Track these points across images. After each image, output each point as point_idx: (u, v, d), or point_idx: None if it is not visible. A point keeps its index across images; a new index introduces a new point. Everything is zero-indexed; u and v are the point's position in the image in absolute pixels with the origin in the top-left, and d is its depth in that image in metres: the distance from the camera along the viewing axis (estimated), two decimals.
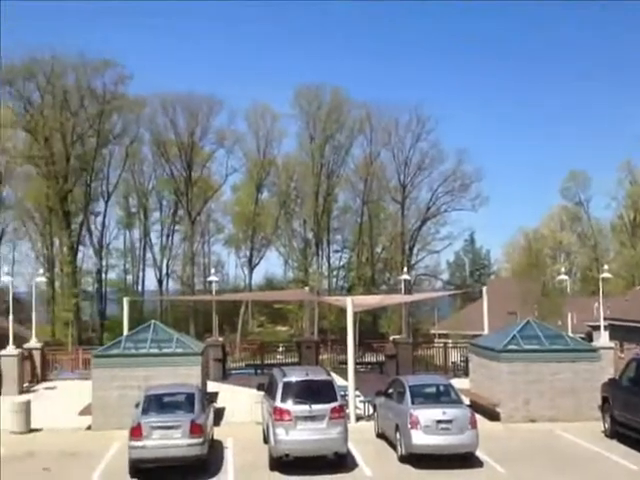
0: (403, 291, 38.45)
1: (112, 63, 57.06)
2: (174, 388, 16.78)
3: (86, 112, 56.83)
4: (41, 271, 33.25)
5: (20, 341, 28.11)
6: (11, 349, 25.84)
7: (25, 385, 26.17)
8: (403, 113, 64.71)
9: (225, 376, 28.61)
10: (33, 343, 28.35)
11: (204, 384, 20.33)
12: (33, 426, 19.12)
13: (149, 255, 68.12)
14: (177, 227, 68.22)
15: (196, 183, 64.02)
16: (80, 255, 60.03)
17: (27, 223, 63.25)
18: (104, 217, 63.80)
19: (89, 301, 63.53)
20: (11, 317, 27.08)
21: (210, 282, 36.99)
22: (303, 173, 65.06)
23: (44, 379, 28.08)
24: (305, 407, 14.89)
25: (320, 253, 65.53)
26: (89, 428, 19.21)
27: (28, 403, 19.34)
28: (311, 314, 36.19)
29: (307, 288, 36.39)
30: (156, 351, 19.71)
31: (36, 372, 27.85)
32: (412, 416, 15.35)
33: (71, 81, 56.48)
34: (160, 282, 66.76)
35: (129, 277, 69.88)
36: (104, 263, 65.01)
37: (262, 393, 17.61)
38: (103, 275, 64.55)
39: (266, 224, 66.50)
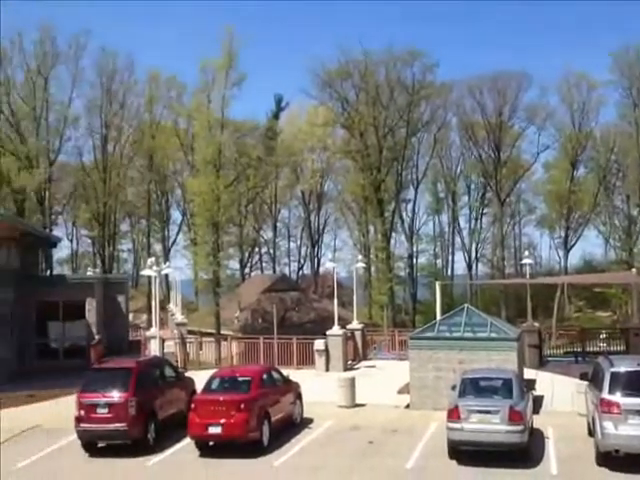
0: None
1: (419, 53, 58.54)
2: (491, 373, 16.57)
3: (396, 104, 59.20)
4: (359, 257, 35.44)
5: (343, 322, 30.33)
6: (336, 329, 28.02)
7: (348, 363, 28.16)
8: None
9: (542, 363, 27.39)
10: (354, 324, 30.38)
11: (521, 370, 19.68)
12: (357, 401, 20.47)
13: (458, 239, 68.85)
14: (486, 210, 67.64)
15: (505, 164, 62.84)
16: (393, 241, 62.88)
17: (346, 213, 68.49)
18: (414, 204, 66.21)
19: (402, 285, 66.27)
20: (335, 300, 29.37)
21: (522, 265, 35.93)
22: (625, 144, 59.39)
23: (365, 358, 29.92)
24: (637, 400, 13.48)
25: None
26: (407, 407, 19.93)
27: (353, 379, 20.77)
28: (639, 299, 32.86)
29: (634, 270, 32.95)
30: (470, 335, 19.63)
31: (358, 351, 29.80)
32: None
33: (382, 76, 59.36)
34: (469, 266, 66.94)
35: (439, 261, 71.48)
36: (415, 248, 67.26)
37: (585, 383, 16.43)
38: (414, 260, 66.81)
39: (583, 202, 62.25)
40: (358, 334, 29.94)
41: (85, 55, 57.24)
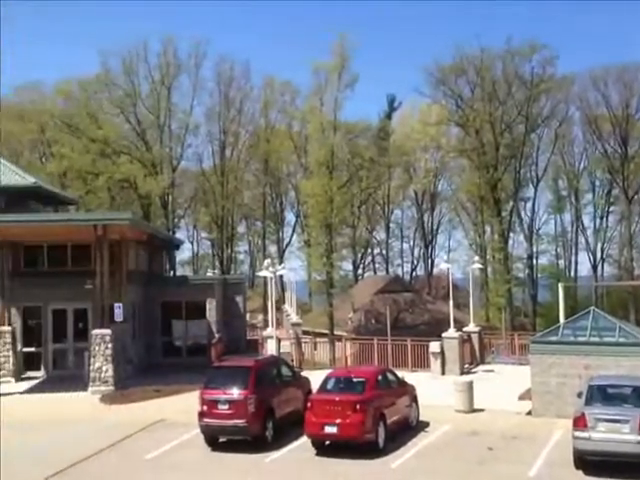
0: None
1: (538, 46, 56.31)
2: (620, 380, 15.64)
3: (514, 99, 57.31)
4: (476, 258, 34.56)
5: (459, 325, 29.69)
6: (452, 332, 27.46)
7: (465, 366, 27.52)
8: None
9: None
10: (471, 327, 29.65)
11: None
12: (475, 406, 19.93)
13: (581, 239, 65.63)
14: (612, 208, 64.15)
15: (633, 159, 59.36)
16: (510, 242, 60.93)
17: (461, 213, 67.11)
18: (533, 202, 63.91)
19: (520, 287, 64.04)
20: (451, 302, 28.81)
21: None
22: None
23: (482, 362, 29.12)
24: None
25: None
26: (529, 413, 19.19)
27: (471, 383, 20.25)
28: None
29: None
30: (597, 340, 18.64)
31: (475, 355, 29.05)
32: None
33: (498, 71, 57.71)
34: (594, 267, 63.71)
35: (561, 262, 68.43)
36: (535, 249, 64.83)
37: None
38: (534, 261, 64.39)
39: None
40: (475, 337, 29.21)
41: (205, 64, 59.70)
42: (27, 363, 27.75)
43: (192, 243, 72.73)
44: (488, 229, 60.36)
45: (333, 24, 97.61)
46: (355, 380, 16.87)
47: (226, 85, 60.53)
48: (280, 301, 47.13)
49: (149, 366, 29.08)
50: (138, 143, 58.29)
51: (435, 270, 66.44)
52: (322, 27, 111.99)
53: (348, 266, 63.76)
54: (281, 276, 41.50)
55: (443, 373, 26.22)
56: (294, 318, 34.50)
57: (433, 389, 22.38)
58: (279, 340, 28.25)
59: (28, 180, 35.37)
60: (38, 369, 27.78)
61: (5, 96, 60.60)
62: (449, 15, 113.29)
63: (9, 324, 27.07)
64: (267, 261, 28.88)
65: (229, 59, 60.58)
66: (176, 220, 63.49)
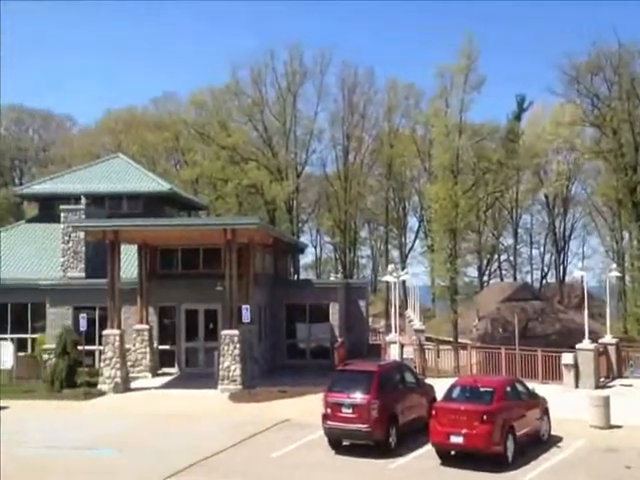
0: None
1: None
2: None
3: None
4: (613, 266, 32.54)
5: (594, 336, 28.05)
6: (587, 343, 25.98)
7: (601, 380, 25.96)
8: None
9: None
10: (608, 338, 27.95)
11: None
12: (612, 422, 18.73)
13: None
14: None
15: None
16: None
17: (596, 218, 63.63)
18: None
19: None
20: (585, 311, 27.29)
21: None
22: None
23: (619, 376, 27.36)
24: None
25: None
26: None
27: (607, 398, 19.05)
28: None
29: None
30: None
31: (611, 368, 27.35)
32: None
33: (638, 67, 54.23)
34: None
35: None
36: None
37: None
38: None
39: None
40: (612, 349, 27.47)
41: (329, 70, 60.54)
42: (162, 360, 29.22)
43: (315, 247, 73.92)
44: (626, 235, 56.81)
45: (459, 23, 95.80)
46: (482, 390, 16.35)
47: (350, 90, 61.04)
48: (403, 306, 46.74)
49: (274, 367, 29.75)
50: (265, 149, 60.05)
51: (568, 278, 63.46)
52: (448, 26, 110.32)
53: (473, 272, 62.28)
54: (404, 281, 41.14)
55: (576, 386, 24.86)
56: (417, 324, 34.05)
57: (566, 403, 21.29)
58: (402, 346, 27.97)
59: (164, 186, 37.43)
60: (172, 366, 29.19)
61: (144, 107, 64.58)
62: (582, 9, 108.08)
63: (147, 322, 28.63)
64: (391, 266, 28.78)
65: (353, 64, 61.14)
66: (300, 224, 64.72)
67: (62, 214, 32.06)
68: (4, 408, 22.40)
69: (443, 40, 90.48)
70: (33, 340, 30.58)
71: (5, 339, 28.77)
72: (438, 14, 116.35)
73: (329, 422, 16.69)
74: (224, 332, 25.21)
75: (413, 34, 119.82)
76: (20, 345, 29.22)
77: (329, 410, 16.70)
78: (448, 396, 16.59)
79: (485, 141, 58.21)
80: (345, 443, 16.91)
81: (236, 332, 24.93)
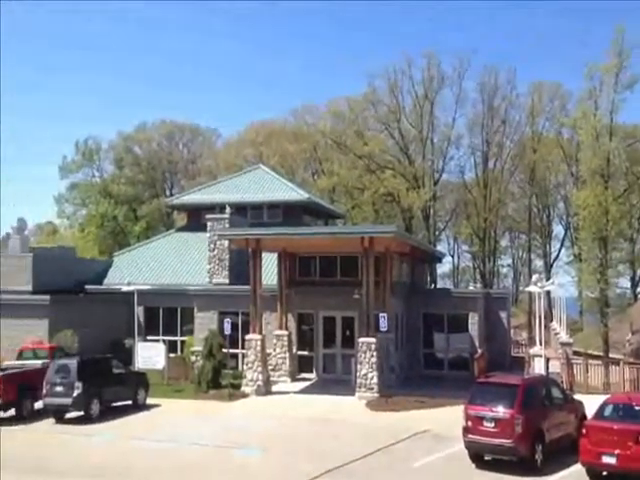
0: None
1: None
2: None
3: None
4: None
5: None
6: None
7: None
8: None
9: None
10: None
11: None
12: None
13: None
14: None
15: None
16: None
17: None
18: None
19: None
20: None
21: None
22: None
23: None
24: None
25: None
26: None
27: None
28: None
29: None
30: None
31: None
32: None
33: None
34: None
35: None
36: None
37: None
38: None
39: None
40: None
41: (468, 76, 59.38)
42: (301, 365, 29.82)
43: (452, 256, 72.54)
44: None
45: (609, 18, 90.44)
46: (638, 409, 15.17)
47: (490, 95, 59.45)
48: (547, 318, 44.64)
49: (410, 376, 29.41)
50: (401, 157, 59.86)
51: None
52: (597, 24, 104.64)
53: (625, 283, 58.31)
54: (548, 292, 39.24)
55: None
56: (564, 337, 32.36)
57: None
58: (547, 359, 26.67)
59: (303, 196, 38.31)
60: (310, 371, 29.69)
61: (283, 118, 66.58)
62: None
63: (286, 328, 29.33)
64: (535, 276, 27.59)
65: (493, 68, 59.50)
66: (437, 233, 63.82)
67: (208, 223, 33.69)
68: (157, 406, 23.81)
69: (592, 39, 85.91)
70: (182, 342, 32.31)
71: (157, 341, 30.62)
72: (585, 10, 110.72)
73: (470, 435, 16.20)
74: (361, 339, 25.26)
75: (558, 35, 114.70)
76: (170, 347, 30.95)
77: (470, 423, 16.21)
78: (600, 414, 15.54)
79: (639, 144, 54.53)
80: (487, 458, 16.34)
81: (373, 340, 24.91)
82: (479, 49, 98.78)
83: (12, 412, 22.08)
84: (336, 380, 28.05)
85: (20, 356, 26.76)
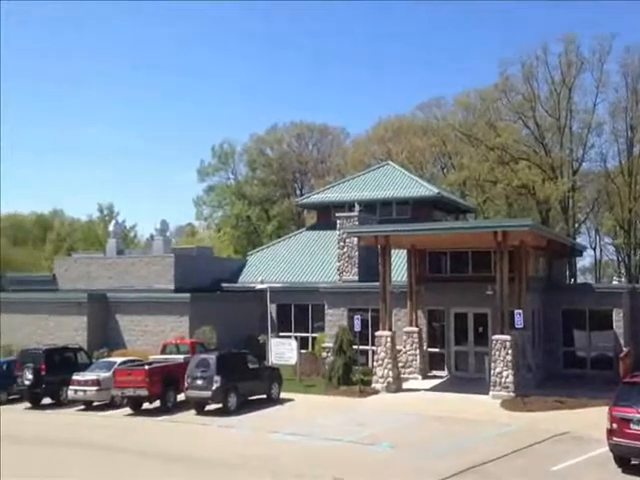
0: None
1: None
2: None
3: None
4: None
5: None
6: None
7: None
8: None
9: None
10: None
11: None
12: None
13: None
14: None
15: None
16: None
17: None
18: None
19: None
20: None
21: None
22: None
23: None
24: None
25: None
26: None
27: None
28: None
29: None
30: None
31: None
32: None
33: None
34: None
35: None
36: None
37: None
38: None
39: None
40: None
41: (609, 59, 55.95)
42: (432, 362, 29.40)
43: (594, 249, 68.53)
44: None
45: None
46: None
47: (634, 77, 55.56)
48: None
49: (548, 375, 28.12)
50: (537, 147, 57.46)
51: None
52: None
53: None
54: None
55: None
56: None
57: None
58: None
59: (432, 191, 37.77)
60: (441, 369, 29.19)
61: (411, 113, 66.01)
62: None
63: (416, 325, 29.02)
64: None
65: (637, 49, 55.52)
66: (577, 225, 60.62)
67: (338, 221, 34.05)
68: (290, 400, 24.38)
69: None
70: (313, 339, 32.89)
71: (289, 337, 31.37)
72: None
73: (615, 438, 15.18)
74: (495, 337, 24.47)
75: None
76: (302, 343, 31.58)
77: (615, 425, 15.20)
78: None
79: None
80: (634, 462, 15.26)
81: (508, 337, 24.05)
82: (619, 30, 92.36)
83: (157, 404, 23.45)
84: (468, 378, 27.40)
85: (164, 350, 28.36)
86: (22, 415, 24.12)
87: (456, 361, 29.13)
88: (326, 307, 31.70)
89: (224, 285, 36.19)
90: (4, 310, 33.72)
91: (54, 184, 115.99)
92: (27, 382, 24.93)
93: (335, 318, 30.95)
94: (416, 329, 28.88)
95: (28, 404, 25.30)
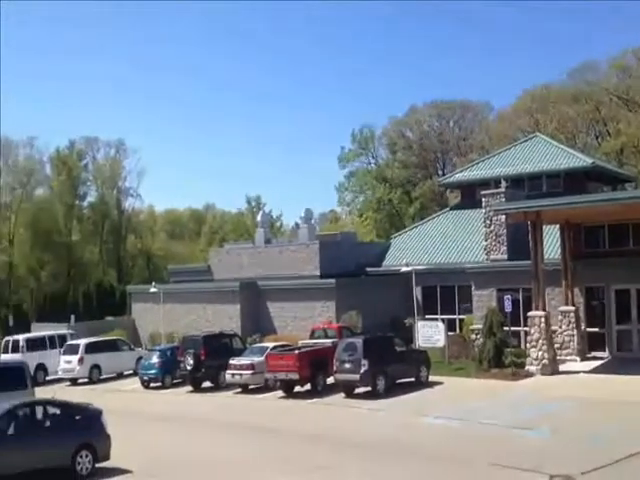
0: None
1: None
2: None
3: None
4: None
5: None
6: None
7: None
8: None
9: None
10: None
11: None
12: None
13: None
14: None
15: None
16: None
17: None
18: None
19: None
20: None
21: None
22: None
23: None
24: None
25: None
26: None
27: None
28: None
29: None
30: None
31: None
32: None
33: None
34: None
35: None
36: None
37: None
38: None
39: None
40: None
41: None
42: (591, 343, 27.65)
43: None
44: None
45: None
46: None
47: None
48: None
49: None
50: None
51: None
52: None
53: None
54: None
55: None
56: None
57: None
58: None
59: (586, 161, 35.37)
60: (602, 349, 27.36)
61: (560, 81, 62.27)
62: None
63: (572, 304, 27.38)
64: None
65: None
66: None
67: (483, 199, 32.81)
68: (439, 383, 23.94)
69: None
70: (460, 321, 32.05)
71: (436, 319, 30.78)
72: None
73: None
74: None
75: None
76: (449, 325, 30.85)
77: None
78: None
79: None
80: None
81: None
82: None
83: (308, 387, 23.94)
84: (633, 359, 25.44)
85: (312, 335, 28.92)
86: (187, 397, 25.73)
87: (618, 341, 27.18)
88: (473, 288, 30.73)
89: (368, 269, 36.21)
90: (166, 300, 35.95)
91: (206, 180, 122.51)
92: (189, 367, 26.46)
93: (483, 299, 29.93)
94: (572, 308, 27.24)
95: (190, 387, 26.84)
